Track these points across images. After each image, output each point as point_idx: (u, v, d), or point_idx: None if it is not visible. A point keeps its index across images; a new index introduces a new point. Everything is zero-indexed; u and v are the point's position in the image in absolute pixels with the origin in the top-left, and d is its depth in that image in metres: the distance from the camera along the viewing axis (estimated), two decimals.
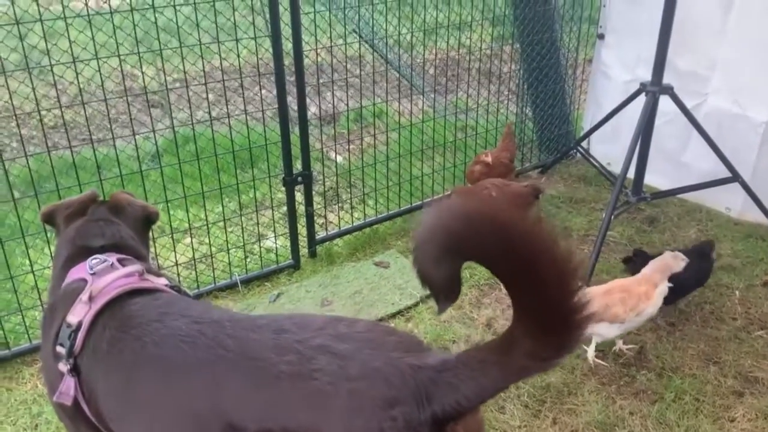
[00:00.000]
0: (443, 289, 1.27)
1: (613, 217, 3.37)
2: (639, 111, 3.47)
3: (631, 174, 3.56)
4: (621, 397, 2.63)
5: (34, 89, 2.66)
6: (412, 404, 1.24)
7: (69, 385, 1.57)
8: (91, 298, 1.61)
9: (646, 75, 3.48)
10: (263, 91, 3.32)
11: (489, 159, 3.83)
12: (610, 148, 4.27)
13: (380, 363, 1.29)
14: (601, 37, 4.26)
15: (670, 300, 2.87)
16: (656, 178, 3.99)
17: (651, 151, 3.57)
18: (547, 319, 1.19)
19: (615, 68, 4.23)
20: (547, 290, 1.16)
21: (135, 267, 1.72)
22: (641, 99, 3.51)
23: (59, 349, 1.58)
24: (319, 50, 3.47)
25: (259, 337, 1.40)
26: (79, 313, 1.60)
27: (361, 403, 1.25)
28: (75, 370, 1.57)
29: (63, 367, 1.57)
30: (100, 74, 2.80)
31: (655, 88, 3.44)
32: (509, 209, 1.15)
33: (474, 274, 3.38)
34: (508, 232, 1.15)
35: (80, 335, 1.57)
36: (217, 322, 1.47)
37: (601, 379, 2.72)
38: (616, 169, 4.00)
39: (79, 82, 2.82)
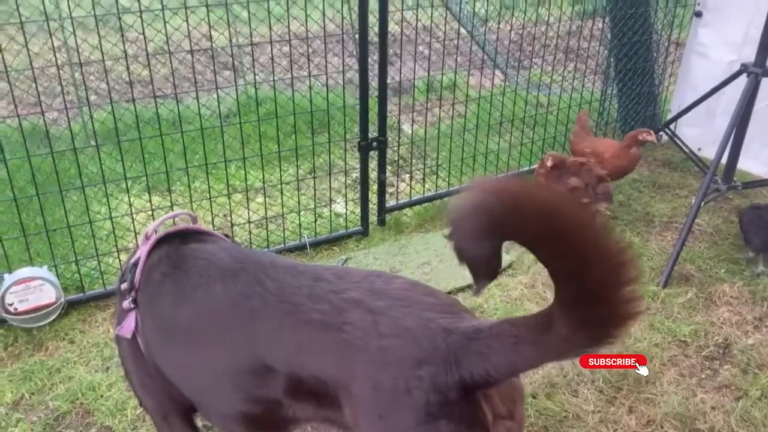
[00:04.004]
0: (481, 269, 1.21)
1: (701, 204, 3.19)
2: (737, 94, 3.26)
3: (722, 160, 3.35)
4: (702, 391, 2.49)
5: (123, 39, 2.67)
6: (440, 366, 1.23)
7: (130, 318, 1.62)
8: (147, 237, 1.69)
9: (754, 55, 3.25)
10: (336, 58, 3.26)
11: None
12: (701, 132, 4.03)
13: (412, 322, 1.28)
14: (699, 14, 4.01)
15: None
16: (752, 164, 3.75)
17: (750, 134, 3.35)
18: (589, 310, 1.11)
19: (715, 48, 3.97)
20: (593, 282, 1.08)
21: (186, 212, 1.86)
22: (741, 81, 3.29)
23: (123, 286, 1.64)
24: (401, 17, 3.38)
25: (296, 282, 1.42)
26: (138, 253, 1.68)
27: (389, 360, 1.25)
28: (135, 304, 1.63)
29: (126, 303, 1.63)
30: (188, 27, 2.78)
31: (758, 70, 3.21)
32: (561, 193, 1.07)
33: None
34: (557, 217, 1.07)
35: (138, 269, 1.63)
36: (260, 262, 1.51)
37: (681, 371, 2.58)
38: (707, 154, 3.78)
39: (167, 33, 2.82)
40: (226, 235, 1.83)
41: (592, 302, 1.10)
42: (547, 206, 1.08)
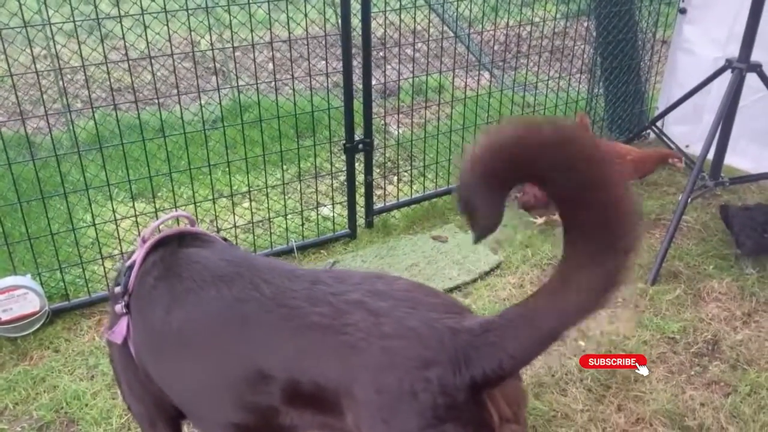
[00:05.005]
0: (484, 216, 1.17)
1: (689, 201, 3.18)
2: (723, 90, 3.26)
3: (709, 156, 3.35)
4: (691, 387, 2.48)
5: (103, 45, 2.65)
6: (448, 367, 1.19)
7: (122, 323, 1.59)
8: (144, 240, 1.64)
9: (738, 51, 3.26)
10: (323, 62, 3.26)
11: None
12: (689, 129, 4.03)
13: (417, 323, 1.24)
14: (683, 11, 4.01)
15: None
16: (739, 160, 3.75)
17: (736, 130, 3.35)
18: (601, 242, 1.13)
19: (701, 45, 3.96)
20: (604, 211, 1.11)
21: (183, 214, 1.81)
22: (726, 77, 3.29)
23: (116, 289, 1.60)
24: (384, 19, 3.37)
25: (294, 286, 1.38)
26: (134, 257, 1.64)
27: (394, 361, 1.21)
28: (128, 308, 1.59)
29: (118, 307, 1.59)
30: (169, 32, 2.77)
31: (742, 65, 3.22)
32: (571, 126, 1.13)
33: (536, 253, 3.25)
34: (569, 146, 1.09)
35: (133, 272, 1.59)
36: (256, 267, 1.47)
37: (670, 368, 2.57)
38: (695, 151, 3.79)
39: (147, 39, 2.81)
40: (225, 239, 1.79)
41: (604, 231, 1.12)
42: (560, 136, 1.10)
